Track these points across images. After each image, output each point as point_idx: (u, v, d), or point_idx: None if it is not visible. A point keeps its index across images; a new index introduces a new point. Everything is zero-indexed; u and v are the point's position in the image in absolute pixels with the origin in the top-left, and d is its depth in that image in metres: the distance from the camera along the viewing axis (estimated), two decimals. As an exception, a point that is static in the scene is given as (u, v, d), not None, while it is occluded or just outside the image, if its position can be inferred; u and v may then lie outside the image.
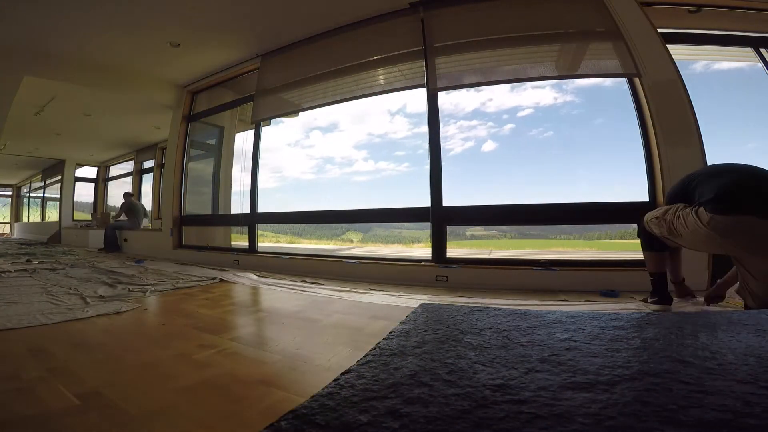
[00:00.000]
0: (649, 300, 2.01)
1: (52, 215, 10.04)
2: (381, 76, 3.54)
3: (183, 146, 5.07)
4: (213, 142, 5.40)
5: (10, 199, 13.40)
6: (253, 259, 3.89)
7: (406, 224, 3.33)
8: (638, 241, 2.07)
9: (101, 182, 9.89)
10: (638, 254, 2.54)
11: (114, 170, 9.76)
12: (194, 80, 4.87)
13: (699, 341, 1.24)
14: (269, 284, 2.81)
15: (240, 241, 4.66)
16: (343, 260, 3.30)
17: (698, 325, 1.44)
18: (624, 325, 1.48)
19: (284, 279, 3.05)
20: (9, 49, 3.77)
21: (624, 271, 2.42)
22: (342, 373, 1.07)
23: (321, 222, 3.81)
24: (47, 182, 10.53)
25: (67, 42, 3.81)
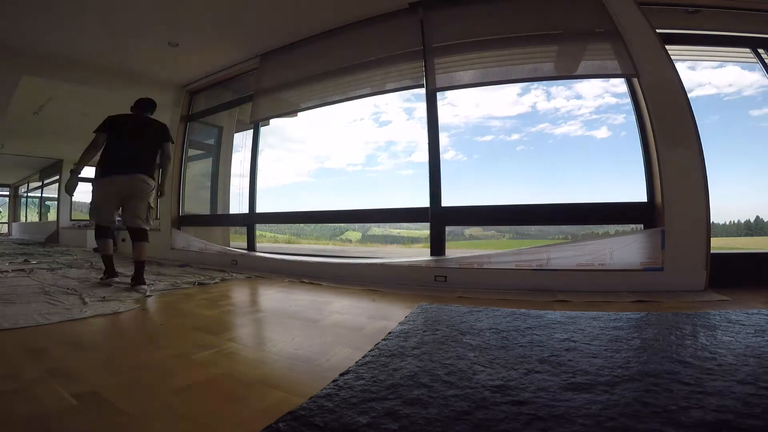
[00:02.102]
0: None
1: (51, 215, 10.01)
2: (380, 76, 3.54)
3: (181, 146, 5.06)
4: (212, 142, 5.39)
5: (7, 199, 13.35)
6: (251, 259, 3.88)
7: (405, 224, 3.32)
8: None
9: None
10: (636, 254, 2.55)
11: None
12: (193, 80, 4.86)
13: (698, 342, 1.24)
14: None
15: (238, 241, 4.64)
16: (343, 261, 3.29)
17: (698, 325, 1.44)
18: (623, 325, 1.49)
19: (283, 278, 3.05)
20: (7, 49, 3.76)
21: (622, 271, 2.42)
22: (341, 374, 1.07)
23: (319, 222, 3.81)
24: (45, 182, 10.50)
25: (65, 42, 3.80)
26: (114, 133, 2.73)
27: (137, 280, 2.59)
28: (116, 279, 2.77)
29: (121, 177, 2.64)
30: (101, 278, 2.83)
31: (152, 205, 2.79)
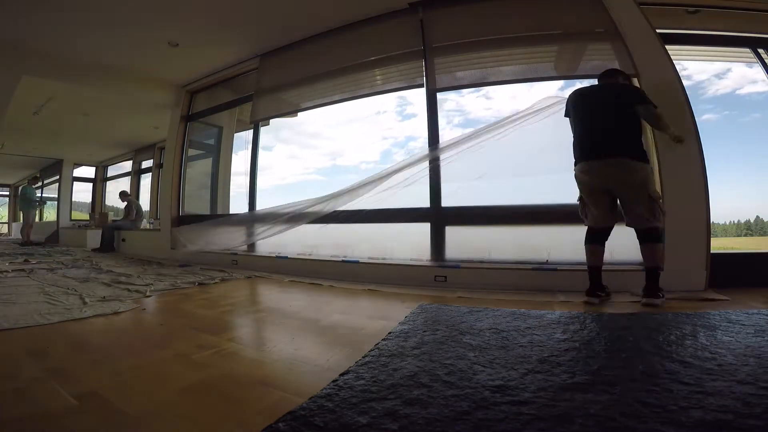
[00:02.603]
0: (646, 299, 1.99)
1: (50, 215, 10.00)
2: (380, 76, 3.54)
3: (181, 146, 5.05)
4: (212, 142, 5.39)
5: (7, 199, 13.34)
6: (251, 259, 3.88)
7: (403, 225, 3.30)
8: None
9: (99, 182, 9.87)
10: (634, 255, 2.55)
11: (112, 170, 9.74)
12: (193, 80, 4.86)
13: (698, 342, 1.24)
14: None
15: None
16: (343, 260, 3.29)
17: (698, 325, 1.44)
18: (623, 325, 1.48)
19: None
20: (7, 49, 3.76)
21: (622, 271, 2.42)
22: (341, 374, 1.07)
23: (319, 222, 3.79)
24: (45, 182, 10.49)
25: (65, 41, 3.80)
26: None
27: (649, 291, 1.99)
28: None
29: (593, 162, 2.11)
30: (596, 297, 2.07)
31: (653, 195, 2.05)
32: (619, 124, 2.07)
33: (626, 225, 2.11)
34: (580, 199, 2.21)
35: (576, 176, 2.19)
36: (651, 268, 2.03)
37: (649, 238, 2.03)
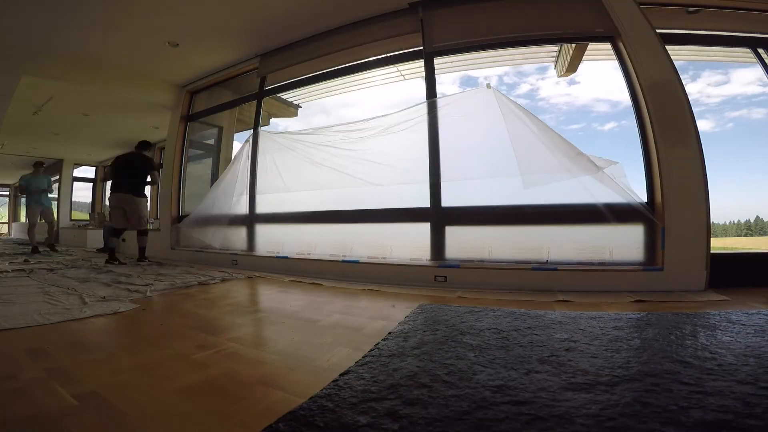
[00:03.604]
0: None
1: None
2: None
3: (181, 146, 5.06)
4: (212, 142, 5.39)
5: (7, 199, 13.34)
6: (251, 259, 3.88)
7: (403, 225, 3.31)
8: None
9: (99, 182, 9.87)
10: (635, 255, 2.55)
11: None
12: (193, 80, 4.86)
13: (698, 342, 1.24)
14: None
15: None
16: (343, 260, 3.29)
17: (697, 325, 1.44)
18: (623, 325, 1.49)
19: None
20: (8, 48, 3.76)
21: (622, 271, 2.42)
22: (341, 374, 1.07)
23: (319, 222, 3.79)
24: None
25: (65, 41, 3.80)
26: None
27: (141, 258, 4.26)
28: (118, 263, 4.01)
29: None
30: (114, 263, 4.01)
31: (144, 214, 4.24)
32: (137, 177, 4.14)
33: (132, 228, 4.20)
34: (110, 211, 4.25)
35: (110, 199, 4.13)
36: (142, 247, 4.28)
37: (143, 233, 4.27)
